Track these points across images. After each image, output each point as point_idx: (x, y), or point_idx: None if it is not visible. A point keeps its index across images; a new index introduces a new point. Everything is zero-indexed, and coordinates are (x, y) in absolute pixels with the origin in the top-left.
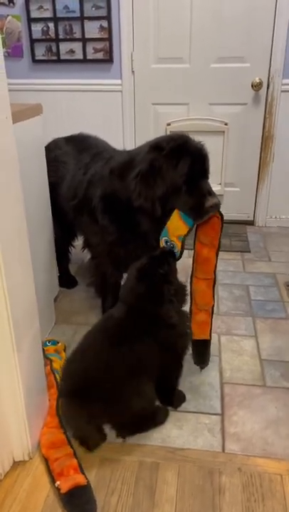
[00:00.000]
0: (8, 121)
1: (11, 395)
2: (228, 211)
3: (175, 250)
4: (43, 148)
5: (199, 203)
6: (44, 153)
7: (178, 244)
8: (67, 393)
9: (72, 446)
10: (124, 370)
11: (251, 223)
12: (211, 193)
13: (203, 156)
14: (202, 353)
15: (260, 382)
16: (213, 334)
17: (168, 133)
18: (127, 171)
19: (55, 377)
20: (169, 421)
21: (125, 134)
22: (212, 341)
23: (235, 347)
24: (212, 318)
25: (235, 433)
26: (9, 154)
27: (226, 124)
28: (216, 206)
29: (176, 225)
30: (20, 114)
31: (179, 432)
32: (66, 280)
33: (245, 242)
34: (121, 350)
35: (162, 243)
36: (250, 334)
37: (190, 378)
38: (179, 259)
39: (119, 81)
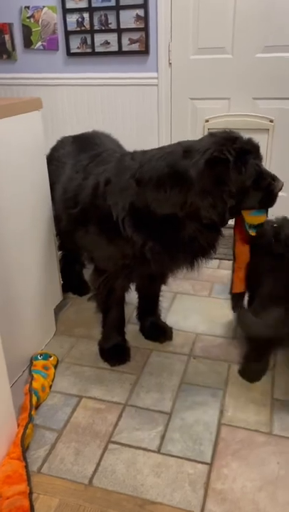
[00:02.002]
0: None
1: None
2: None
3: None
4: (42, 145)
5: (269, 193)
6: (43, 150)
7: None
8: None
9: (29, 484)
10: None
11: None
12: (273, 177)
13: (258, 148)
14: (240, 301)
15: (266, 429)
16: (223, 362)
17: (206, 130)
18: (171, 186)
19: (31, 399)
20: (147, 464)
21: (160, 130)
22: (219, 371)
23: (245, 380)
24: None
25: (221, 491)
26: None
27: (271, 121)
28: (282, 186)
29: (255, 219)
30: (12, 107)
31: (155, 480)
32: (77, 287)
33: None
34: None
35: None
36: None
37: (183, 414)
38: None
39: (155, 74)
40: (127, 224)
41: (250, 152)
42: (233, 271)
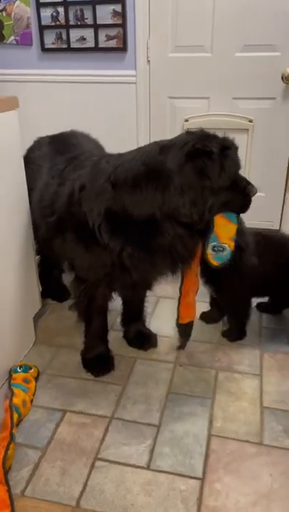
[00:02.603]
0: None
1: None
2: (251, 218)
3: (225, 252)
4: (19, 146)
5: (245, 197)
6: (20, 151)
7: (231, 245)
8: None
9: (13, 509)
10: None
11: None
12: (247, 182)
13: (237, 147)
14: (188, 333)
15: (256, 439)
16: (210, 369)
17: (185, 130)
18: (147, 183)
19: (11, 416)
20: (137, 482)
21: (139, 130)
22: (206, 379)
23: (233, 388)
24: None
25: (214, 508)
26: None
27: (250, 121)
28: (256, 193)
29: (227, 228)
30: None
31: (146, 499)
32: (57, 292)
33: None
34: None
35: (209, 251)
36: (254, 372)
37: (172, 426)
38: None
39: (133, 72)
40: (103, 230)
41: (230, 149)
42: (180, 297)
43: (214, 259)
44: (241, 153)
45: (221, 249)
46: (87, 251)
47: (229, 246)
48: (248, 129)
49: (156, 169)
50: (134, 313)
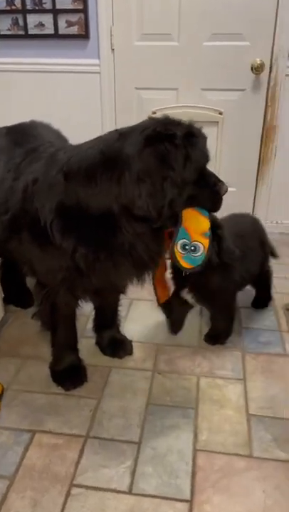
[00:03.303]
0: None
1: None
2: (220, 213)
3: (199, 252)
4: None
5: (215, 194)
6: None
7: (205, 243)
8: None
9: None
10: None
11: None
12: (218, 178)
13: (205, 136)
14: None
15: (245, 451)
16: (190, 376)
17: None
18: (102, 172)
19: None
20: (118, 509)
21: (104, 122)
22: (187, 387)
23: (216, 395)
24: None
25: None
26: None
27: (220, 114)
28: (227, 190)
29: (198, 221)
30: None
31: None
32: (20, 298)
33: None
34: None
35: (178, 250)
36: (237, 377)
37: (154, 442)
38: (209, 259)
39: (96, 61)
40: (54, 229)
41: (197, 137)
42: (154, 278)
43: (184, 260)
44: (211, 147)
45: (193, 248)
46: (43, 252)
47: (203, 245)
48: (218, 122)
49: (112, 156)
50: (107, 319)
